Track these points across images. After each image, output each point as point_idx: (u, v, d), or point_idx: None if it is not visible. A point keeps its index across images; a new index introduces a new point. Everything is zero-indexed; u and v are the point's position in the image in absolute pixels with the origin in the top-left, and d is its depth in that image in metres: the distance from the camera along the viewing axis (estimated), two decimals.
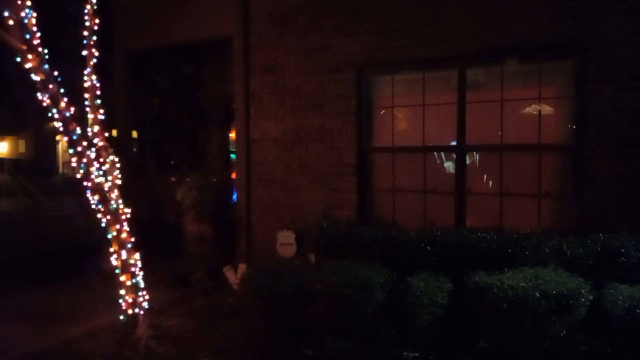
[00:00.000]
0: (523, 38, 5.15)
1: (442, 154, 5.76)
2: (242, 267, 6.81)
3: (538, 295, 3.49)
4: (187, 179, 6.67)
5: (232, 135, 8.56)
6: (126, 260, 5.07)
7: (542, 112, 5.25)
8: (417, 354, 4.30)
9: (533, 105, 5.31)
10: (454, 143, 5.60)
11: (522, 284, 3.59)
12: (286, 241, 6.44)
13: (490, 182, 5.57)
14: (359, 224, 5.49)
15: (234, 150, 8.54)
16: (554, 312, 3.49)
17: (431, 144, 5.80)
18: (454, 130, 5.59)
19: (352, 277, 4.19)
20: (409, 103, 5.91)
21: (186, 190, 6.53)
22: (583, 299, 3.51)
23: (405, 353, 4.35)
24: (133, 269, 5.14)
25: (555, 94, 5.20)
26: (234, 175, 8.16)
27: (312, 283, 4.37)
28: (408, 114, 5.94)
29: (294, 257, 6.36)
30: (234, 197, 7.44)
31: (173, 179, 7.29)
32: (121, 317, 5.10)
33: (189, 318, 5.54)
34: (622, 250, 4.04)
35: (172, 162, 8.08)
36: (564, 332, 3.54)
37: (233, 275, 6.83)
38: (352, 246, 5.03)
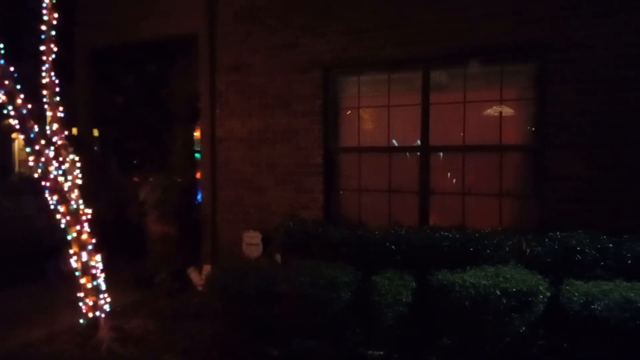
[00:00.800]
0: (486, 41, 5.26)
1: (407, 154, 5.83)
2: (206, 268, 6.73)
3: (499, 293, 3.58)
4: (151, 179, 6.55)
5: (197, 134, 8.46)
6: (87, 262, 4.94)
7: (504, 114, 5.38)
8: (382, 352, 4.34)
9: (495, 107, 5.43)
10: (418, 143, 5.67)
11: (484, 282, 3.67)
12: (252, 241, 6.40)
13: (454, 182, 5.68)
14: (325, 223, 5.50)
15: (199, 149, 8.46)
16: (514, 309, 3.59)
17: (396, 145, 5.86)
18: (418, 131, 5.67)
19: (318, 277, 4.20)
20: (374, 104, 5.96)
21: (149, 189, 6.43)
22: (541, 296, 3.61)
23: (371, 352, 4.39)
24: (94, 271, 5.01)
25: (517, 95, 5.33)
26: (198, 175, 8.08)
27: (279, 283, 4.35)
28: (374, 114, 6.00)
29: (260, 258, 6.33)
30: (199, 197, 7.36)
31: (136, 179, 7.15)
32: (81, 321, 4.97)
33: (153, 319, 5.44)
34: (578, 248, 4.18)
35: (135, 162, 7.91)
36: (524, 328, 3.64)
37: (197, 277, 6.75)
38: (318, 246, 5.04)
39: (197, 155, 8.54)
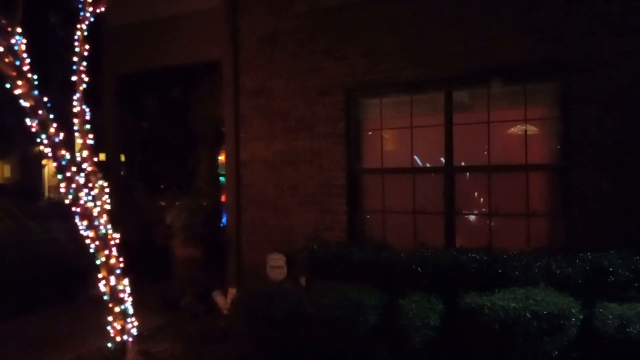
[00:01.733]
0: (508, 60, 5.25)
1: (431, 174, 5.80)
2: (232, 292, 6.75)
3: (529, 316, 3.51)
4: (177, 202, 6.64)
5: (222, 157, 8.58)
6: (115, 287, 5.00)
7: (529, 133, 5.34)
8: None
9: (519, 126, 5.40)
10: (442, 164, 5.65)
11: (513, 304, 3.61)
12: (276, 264, 6.41)
13: (479, 202, 5.63)
14: (349, 245, 5.49)
15: (224, 172, 8.55)
16: (546, 332, 3.51)
17: (420, 165, 5.85)
18: (442, 152, 5.65)
19: (344, 299, 4.19)
20: (397, 125, 5.98)
21: (176, 213, 6.51)
22: (574, 319, 3.53)
23: None
24: (122, 295, 5.06)
25: (541, 114, 5.29)
26: (223, 198, 8.17)
27: (304, 306, 4.34)
28: (396, 135, 6.01)
29: (285, 280, 6.32)
30: (224, 219, 7.43)
31: (163, 202, 7.26)
32: (109, 345, 5.01)
33: (179, 343, 5.47)
34: (611, 269, 4.08)
35: (161, 185, 8.04)
36: (556, 352, 3.55)
37: (222, 300, 6.77)
38: (343, 268, 5.03)
39: (222, 178, 8.66)
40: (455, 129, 5.58)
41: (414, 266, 4.68)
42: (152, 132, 7.98)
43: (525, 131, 5.35)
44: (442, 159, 5.65)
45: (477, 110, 5.56)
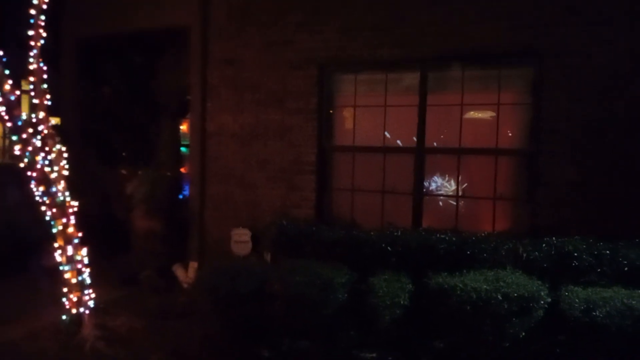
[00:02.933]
0: (482, 44, 5.23)
1: (402, 155, 5.77)
2: (193, 265, 6.60)
3: (500, 298, 3.55)
4: (139, 173, 6.38)
5: (184, 128, 8.33)
6: (72, 257, 4.78)
7: (500, 118, 5.37)
8: (375, 355, 4.28)
9: (491, 111, 5.42)
10: (414, 144, 5.63)
11: (485, 286, 3.64)
12: (241, 239, 6.27)
13: (448, 185, 5.65)
14: (318, 223, 5.42)
15: (186, 144, 8.30)
16: (515, 313, 3.56)
17: (391, 145, 5.81)
18: (414, 132, 5.63)
19: (314, 277, 4.13)
20: (370, 103, 5.90)
21: (137, 184, 6.27)
22: (542, 302, 3.60)
23: (365, 354, 4.32)
24: (79, 266, 4.85)
25: (513, 100, 5.32)
26: (184, 170, 7.94)
27: (272, 283, 4.25)
28: (369, 114, 5.93)
29: (249, 256, 6.21)
30: (186, 192, 7.22)
31: (124, 172, 6.97)
32: (64, 317, 4.79)
33: (139, 318, 5.27)
34: (575, 254, 4.18)
35: (122, 155, 7.71)
36: (523, 333, 3.61)
37: (183, 274, 6.60)
38: (312, 245, 4.96)
39: (183, 149, 8.40)
40: (428, 110, 5.55)
41: (383, 245, 4.66)
42: (112, 99, 7.60)
43: (497, 116, 5.38)
44: (414, 139, 5.63)
45: (451, 92, 5.55)
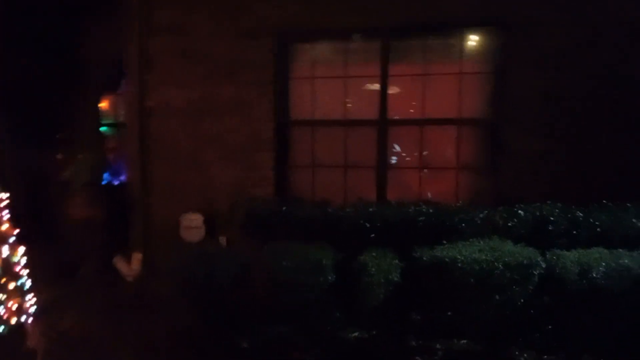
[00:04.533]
0: (447, 13, 5.14)
1: (364, 127, 5.59)
2: (137, 257, 6.02)
3: (502, 267, 3.51)
4: (78, 157, 5.65)
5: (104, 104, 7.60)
6: (8, 259, 4.09)
7: (464, 88, 5.35)
8: (364, 334, 4.15)
9: (454, 81, 5.38)
10: (376, 116, 5.47)
11: (484, 256, 3.59)
12: (192, 224, 5.80)
13: (412, 156, 5.58)
14: (284, 201, 5.10)
15: (109, 122, 7.56)
16: (516, 282, 3.56)
17: (353, 118, 5.61)
18: (375, 104, 5.47)
19: (302, 260, 3.87)
20: (330, 74, 5.63)
21: (75, 169, 5.54)
22: (539, 267, 3.61)
23: (352, 334, 4.17)
24: (17, 269, 4.18)
25: (477, 69, 5.31)
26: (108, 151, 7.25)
27: (256, 269, 3.93)
28: (329, 86, 5.66)
29: (203, 242, 5.77)
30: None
31: (58, 157, 6.16)
32: (2, 329, 4.11)
33: (91, 316, 4.72)
34: (551, 218, 4.26)
35: (55, 137, 6.82)
36: (522, 300, 3.62)
37: (125, 266, 6.01)
38: (284, 225, 4.66)
39: (104, 128, 7.67)
40: (390, 81, 5.41)
41: (362, 221, 4.48)
42: (27, 70, 6.63)
43: (461, 86, 5.35)
44: (376, 111, 5.47)
45: (414, 62, 5.44)
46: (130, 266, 5.97)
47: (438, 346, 4.14)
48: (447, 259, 3.67)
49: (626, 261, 3.51)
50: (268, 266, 3.93)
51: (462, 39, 5.27)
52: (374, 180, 5.52)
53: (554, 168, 5.01)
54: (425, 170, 5.49)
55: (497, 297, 3.58)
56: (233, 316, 4.17)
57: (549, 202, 4.54)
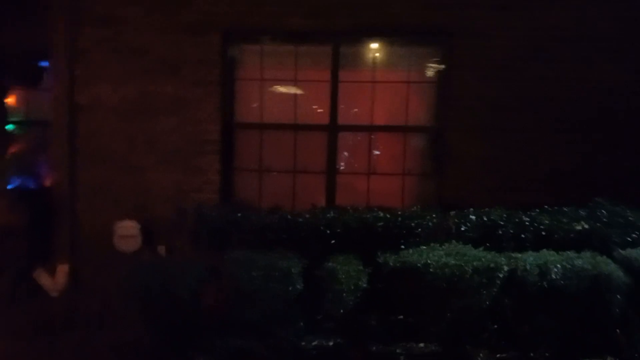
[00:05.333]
0: (395, 20, 5.20)
1: (314, 132, 5.52)
2: (63, 269, 5.45)
3: (471, 271, 3.60)
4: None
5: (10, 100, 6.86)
6: None
7: (410, 95, 5.46)
8: (327, 342, 4.06)
9: (402, 88, 5.47)
10: (326, 122, 5.43)
11: (453, 261, 3.65)
12: (128, 232, 5.36)
13: (360, 162, 5.59)
14: (233, 207, 4.88)
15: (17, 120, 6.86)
16: (484, 285, 3.65)
17: (303, 122, 5.51)
18: (326, 109, 5.43)
19: (270, 269, 3.70)
20: (280, 77, 5.50)
21: None
22: (504, 270, 3.75)
23: (314, 343, 4.06)
24: None
25: (424, 78, 5.43)
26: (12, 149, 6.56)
27: (219, 279, 3.69)
28: (279, 88, 5.52)
29: (139, 251, 5.35)
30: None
31: None
32: None
33: (13, 337, 4.18)
34: (501, 223, 4.46)
35: None
36: (488, 302, 3.73)
37: (49, 280, 5.41)
38: (239, 233, 4.44)
39: (10, 126, 6.92)
40: (340, 87, 5.39)
41: (322, 228, 4.40)
42: None
43: (408, 93, 5.46)
44: (326, 117, 5.43)
45: (363, 68, 5.46)
46: (54, 280, 5.39)
47: (399, 350, 4.14)
48: (418, 264, 3.69)
49: (580, 262, 3.74)
50: (234, 276, 3.71)
51: (411, 47, 5.38)
52: (322, 186, 5.46)
53: (495, 173, 5.25)
54: (373, 176, 5.51)
55: (464, 300, 3.65)
56: (189, 330, 3.88)
57: (495, 207, 4.72)
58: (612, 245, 4.30)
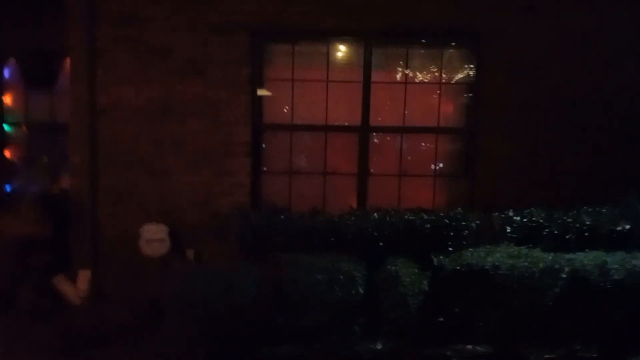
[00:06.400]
0: (426, 21, 5.19)
1: (346, 133, 5.43)
2: (85, 274, 5.24)
3: (539, 273, 3.58)
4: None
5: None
6: None
7: (442, 96, 5.44)
8: (383, 346, 3.98)
9: (434, 89, 5.45)
10: (358, 123, 5.35)
11: (524, 263, 3.64)
12: (155, 237, 5.17)
13: (391, 163, 5.52)
14: (274, 210, 4.73)
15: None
16: (549, 285, 3.64)
17: (335, 124, 5.41)
18: (357, 110, 5.35)
19: (335, 273, 3.59)
20: (311, 77, 5.38)
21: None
22: (565, 271, 3.74)
23: (370, 347, 3.98)
24: None
25: (455, 79, 5.43)
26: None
27: (283, 286, 3.56)
28: (310, 89, 5.40)
29: (167, 256, 5.17)
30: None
31: None
32: None
33: (47, 353, 3.93)
34: (545, 224, 4.46)
35: None
36: (551, 302, 3.72)
37: (71, 288, 5.19)
38: (285, 236, 4.32)
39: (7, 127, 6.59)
40: (372, 87, 5.32)
41: (370, 230, 4.31)
42: None
43: (439, 94, 5.44)
44: (358, 118, 5.34)
45: (395, 69, 5.43)
46: (76, 287, 5.15)
47: (449, 353, 4.10)
48: (486, 266, 3.64)
49: (637, 262, 3.78)
50: (296, 280, 3.58)
51: (441, 47, 5.36)
52: (355, 187, 5.39)
53: (527, 173, 5.26)
54: (405, 177, 5.46)
55: (529, 300, 3.63)
56: (248, 338, 3.73)
57: (529, 206, 4.69)
58: None
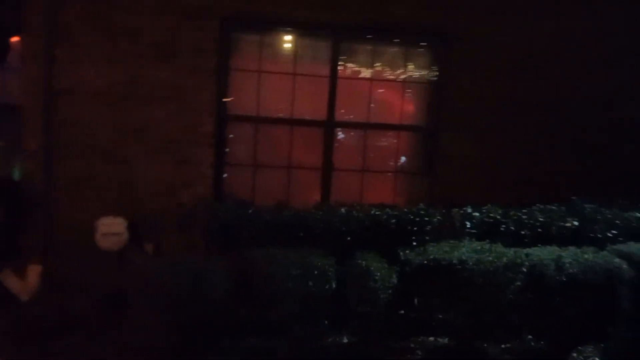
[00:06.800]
0: (396, 18, 5.24)
1: (310, 128, 5.44)
2: (35, 269, 4.92)
3: (502, 267, 3.75)
4: None
5: None
6: None
7: (406, 94, 5.56)
8: (349, 340, 4.06)
9: (399, 87, 5.56)
10: (323, 117, 5.38)
11: (489, 257, 3.79)
12: (112, 230, 4.92)
13: (354, 159, 5.60)
14: (242, 204, 4.68)
15: None
16: (511, 279, 3.83)
17: (300, 117, 5.41)
18: (323, 104, 5.38)
19: (309, 268, 3.61)
20: (278, 70, 5.34)
21: None
22: (525, 266, 3.94)
23: (336, 340, 4.05)
24: None
25: (421, 78, 5.55)
26: None
27: (250, 279, 3.55)
28: (277, 82, 5.36)
29: (125, 249, 4.99)
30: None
31: None
32: None
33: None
34: (502, 220, 4.68)
35: None
36: (511, 296, 3.91)
37: (17, 282, 4.88)
38: (254, 230, 4.29)
39: None
40: (339, 83, 5.36)
41: (338, 224, 4.37)
42: None
43: (403, 92, 5.56)
44: (323, 112, 5.38)
45: (362, 65, 5.48)
46: (24, 281, 4.88)
47: (412, 345, 4.24)
48: (454, 260, 3.78)
49: (587, 257, 4.04)
50: (270, 274, 3.57)
51: (408, 45, 5.46)
52: (319, 182, 5.42)
53: (484, 174, 5.48)
54: (368, 173, 5.55)
55: (492, 294, 3.81)
56: (214, 330, 3.69)
57: (489, 205, 4.90)
58: (598, 241, 4.67)
